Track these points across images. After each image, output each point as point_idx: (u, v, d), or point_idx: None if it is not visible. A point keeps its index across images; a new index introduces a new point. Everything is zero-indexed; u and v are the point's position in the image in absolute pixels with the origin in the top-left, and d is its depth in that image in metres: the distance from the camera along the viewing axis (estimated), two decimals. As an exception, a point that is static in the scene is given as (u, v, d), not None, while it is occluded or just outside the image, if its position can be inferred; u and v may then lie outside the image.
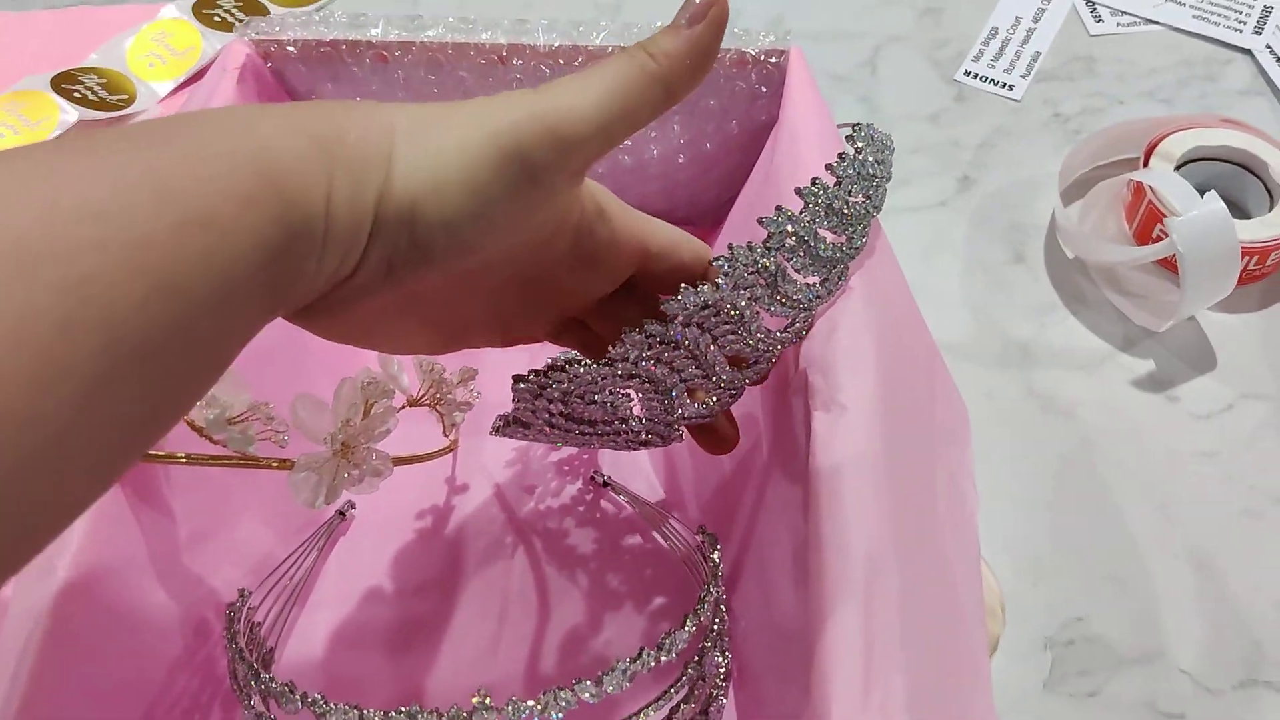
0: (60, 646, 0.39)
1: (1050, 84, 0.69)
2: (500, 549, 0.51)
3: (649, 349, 0.37)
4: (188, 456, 0.42)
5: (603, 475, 0.52)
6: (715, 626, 0.43)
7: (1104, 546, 0.52)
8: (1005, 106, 0.68)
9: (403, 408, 0.46)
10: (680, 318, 0.37)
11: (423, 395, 0.48)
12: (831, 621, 0.37)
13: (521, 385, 0.39)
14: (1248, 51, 0.70)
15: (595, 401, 0.39)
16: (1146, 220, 0.59)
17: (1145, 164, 0.60)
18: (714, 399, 0.40)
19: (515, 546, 0.51)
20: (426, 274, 0.31)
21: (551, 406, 0.40)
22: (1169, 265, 0.59)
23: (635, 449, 0.43)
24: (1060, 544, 0.52)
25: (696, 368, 0.39)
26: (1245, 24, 0.71)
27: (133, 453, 0.25)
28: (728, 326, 0.38)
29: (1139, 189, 0.59)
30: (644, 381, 0.39)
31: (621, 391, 0.39)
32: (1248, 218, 0.61)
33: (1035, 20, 0.72)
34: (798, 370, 0.42)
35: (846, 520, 0.38)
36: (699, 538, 0.47)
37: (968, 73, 0.70)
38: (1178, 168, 0.60)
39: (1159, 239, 0.58)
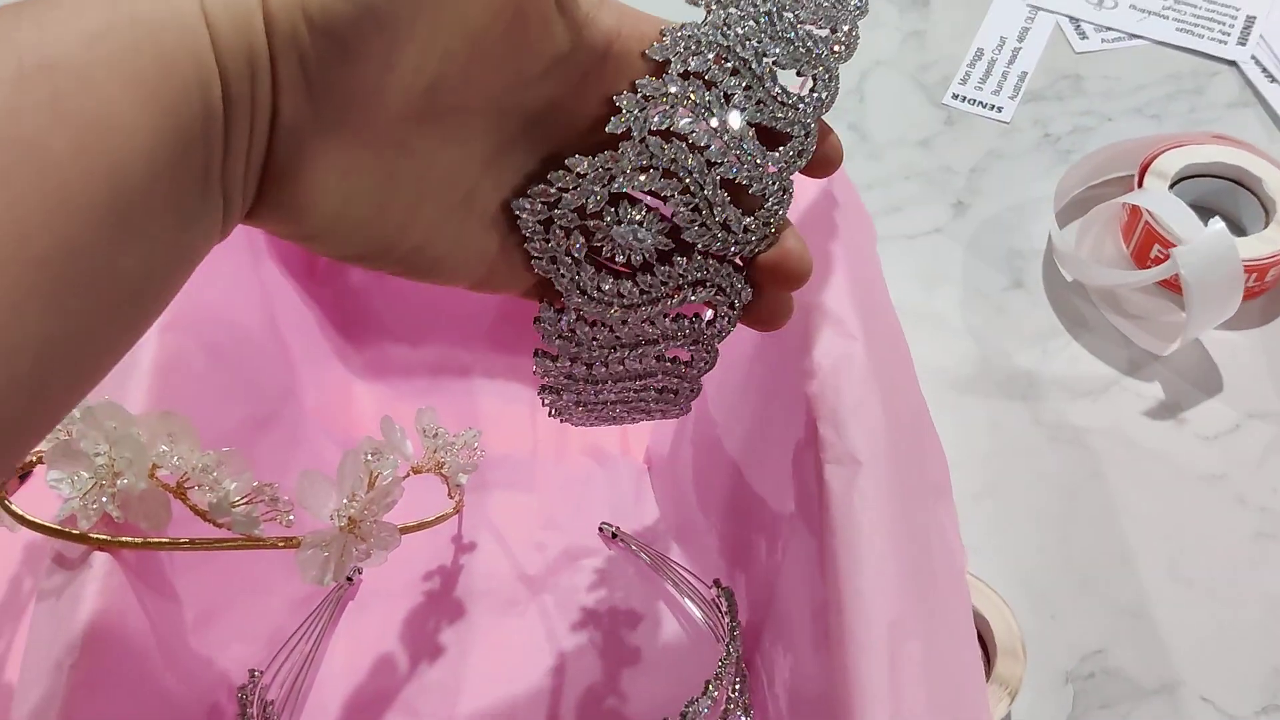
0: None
1: (1039, 104, 0.69)
2: (511, 608, 0.50)
3: (650, 108, 0.31)
4: (191, 541, 0.41)
5: (612, 527, 0.52)
6: (736, 688, 0.43)
7: (1119, 577, 0.52)
8: (995, 129, 0.68)
9: (407, 475, 0.45)
10: (674, 64, 0.32)
11: (426, 461, 0.47)
12: (858, 689, 0.36)
13: (524, 211, 0.32)
14: (1233, 63, 0.70)
15: (616, 223, 0.32)
16: (1144, 241, 0.59)
17: (1139, 184, 0.60)
18: (763, 193, 0.33)
19: (526, 605, 0.51)
20: (355, 74, 0.27)
21: (573, 257, 0.33)
22: (1170, 285, 0.59)
23: (690, 357, 0.37)
24: (1075, 576, 0.52)
25: (717, 138, 0.32)
26: (1229, 35, 0.71)
27: (80, 379, 0.25)
28: (736, 79, 0.32)
29: (1135, 210, 0.59)
30: (662, 173, 0.32)
31: (643, 211, 0.32)
32: (1243, 233, 0.60)
33: (1020, 39, 0.72)
34: (809, 421, 0.41)
35: (867, 582, 0.37)
36: (714, 591, 0.47)
37: (955, 95, 0.69)
38: (1171, 186, 0.60)
39: (1157, 259, 0.58)
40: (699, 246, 0.33)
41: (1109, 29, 0.72)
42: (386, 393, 0.57)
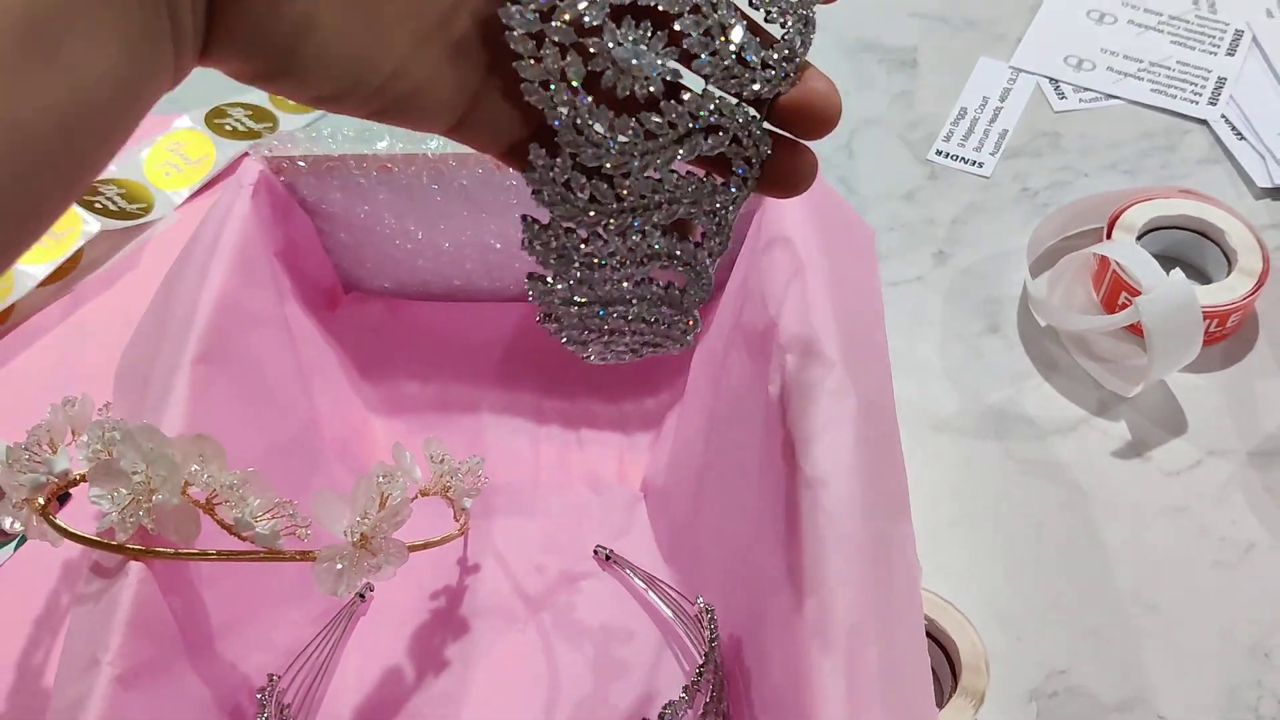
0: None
1: (1018, 160, 0.73)
2: (511, 625, 0.54)
3: None
4: (218, 552, 0.45)
5: (606, 549, 0.55)
6: (713, 693, 0.46)
7: (1083, 601, 0.55)
8: (976, 183, 0.72)
9: (415, 497, 0.49)
10: None
11: (433, 484, 0.51)
12: (818, 688, 0.40)
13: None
14: (1204, 122, 0.74)
15: (618, 43, 0.29)
16: (1112, 289, 0.63)
17: (1109, 235, 0.64)
18: (781, 22, 0.31)
19: (526, 621, 0.54)
20: None
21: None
22: (1136, 330, 0.63)
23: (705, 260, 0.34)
24: (1041, 600, 0.55)
25: None
26: (1201, 95, 0.75)
27: (13, 226, 0.23)
28: None
29: (1104, 260, 0.63)
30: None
31: (649, 30, 0.29)
32: (1208, 281, 0.64)
33: (1002, 99, 0.76)
34: (783, 441, 0.45)
35: (829, 591, 0.41)
36: (697, 608, 0.50)
37: (939, 152, 0.74)
38: (1139, 237, 0.64)
39: (1124, 306, 0.62)
40: (711, 80, 0.30)
41: (1086, 90, 0.76)
42: (398, 425, 0.61)
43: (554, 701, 0.52)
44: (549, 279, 0.33)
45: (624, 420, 0.61)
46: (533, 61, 0.28)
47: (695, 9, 0.29)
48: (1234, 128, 0.73)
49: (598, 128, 0.29)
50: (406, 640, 0.54)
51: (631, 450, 0.60)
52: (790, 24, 0.31)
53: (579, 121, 0.29)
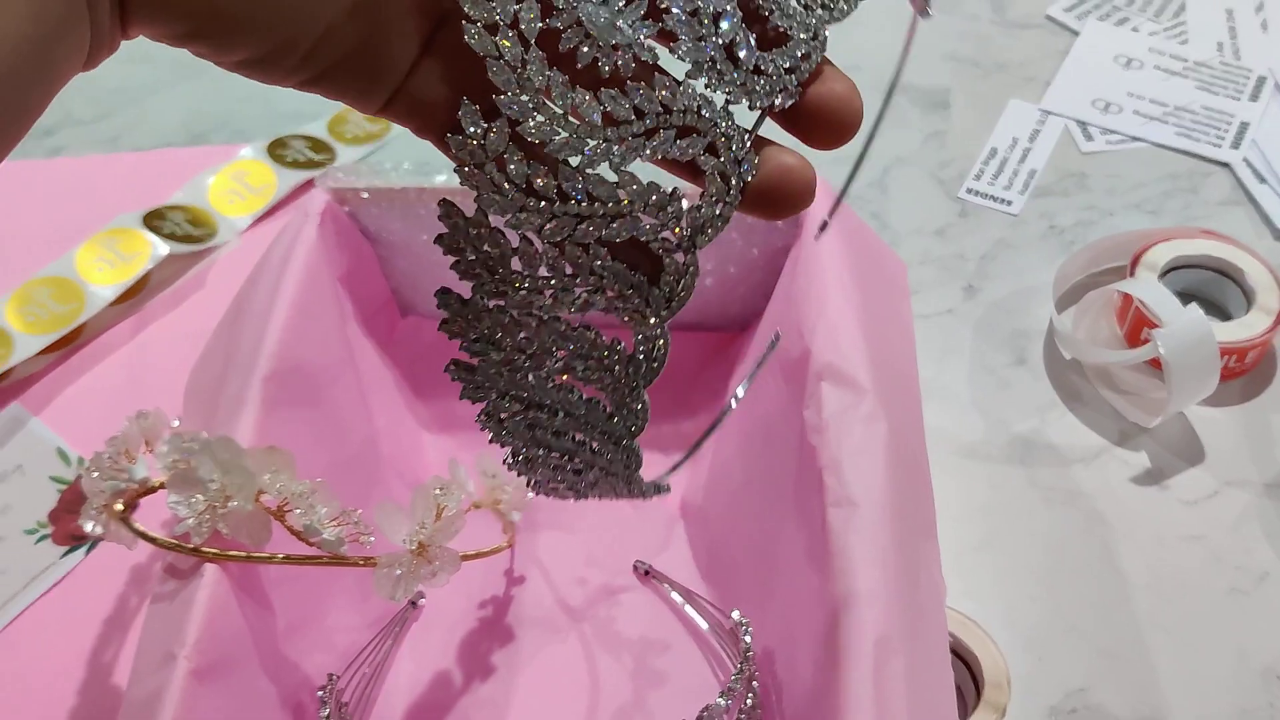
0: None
1: (1046, 199, 0.76)
2: (554, 634, 0.57)
3: None
4: (286, 556, 0.48)
5: (645, 565, 0.58)
6: (748, 701, 0.49)
7: (1102, 623, 0.57)
8: (1005, 220, 0.75)
9: (469, 509, 0.52)
10: None
11: (485, 498, 0.54)
12: (847, 696, 0.42)
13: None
14: (1226, 165, 0.76)
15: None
16: (1135, 324, 0.65)
17: (1132, 273, 0.67)
18: (787, 28, 0.27)
19: (568, 632, 0.57)
20: None
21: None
22: (1157, 365, 0.65)
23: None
24: (1061, 621, 0.57)
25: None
26: (1224, 139, 0.77)
27: None
28: None
29: (1127, 296, 0.65)
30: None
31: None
32: (1228, 318, 0.66)
33: (1031, 140, 0.79)
34: (817, 463, 0.48)
35: (859, 605, 0.44)
36: (733, 621, 0.53)
37: (970, 190, 0.76)
38: (1162, 275, 0.66)
39: (1146, 341, 0.64)
40: (694, 70, 0.25)
41: (1113, 132, 0.79)
42: (449, 442, 0.64)
43: (594, 708, 0.55)
44: (475, 371, 0.28)
45: (662, 442, 0.63)
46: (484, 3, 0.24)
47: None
48: (1255, 171, 0.75)
49: (553, 94, 0.24)
50: (455, 646, 0.57)
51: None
52: (795, 29, 0.27)
53: (524, 76, 0.24)
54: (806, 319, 0.53)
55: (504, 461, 0.32)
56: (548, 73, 0.24)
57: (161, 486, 0.49)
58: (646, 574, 0.58)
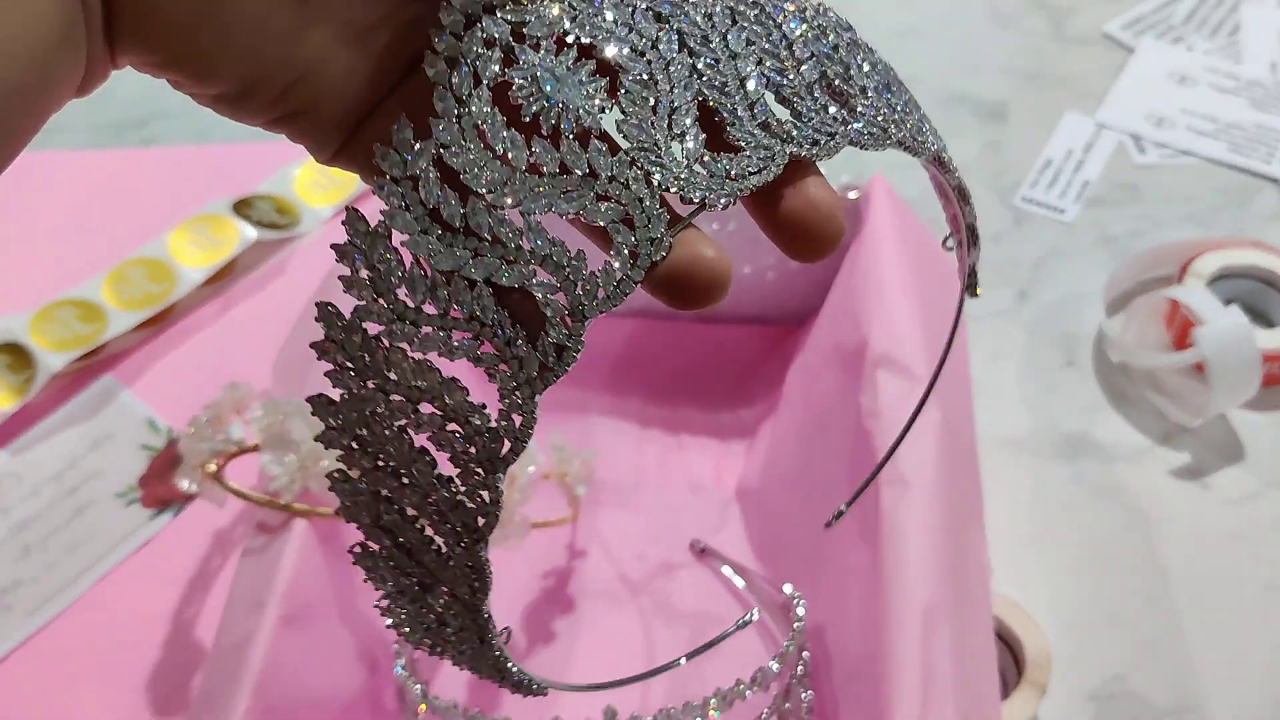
0: (272, 671, 0.48)
1: (1099, 209, 0.78)
2: (613, 605, 0.60)
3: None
4: (370, 516, 0.51)
5: (701, 543, 0.61)
6: (799, 667, 0.51)
7: (1142, 614, 0.59)
8: (1058, 228, 0.77)
9: (538, 479, 0.55)
10: None
11: (553, 469, 0.57)
12: (895, 662, 0.45)
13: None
14: (1276, 180, 0.78)
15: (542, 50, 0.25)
16: (1181, 330, 0.67)
17: (1180, 280, 0.69)
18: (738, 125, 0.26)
19: (627, 604, 0.60)
20: None
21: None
22: (1202, 370, 0.67)
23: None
24: (1102, 611, 0.59)
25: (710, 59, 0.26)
26: (1275, 155, 0.79)
27: None
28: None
29: (1174, 303, 0.67)
30: (630, 46, 0.26)
31: (588, 66, 0.25)
32: (1273, 326, 0.68)
33: (1085, 152, 0.81)
34: (871, 446, 0.51)
35: (908, 575, 0.46)
36: (785, 596, 0.55)
37: (1025, 198, 0.79)
38: (1209, 283, 0.68)
39: (1192, 346, 0.66)
40: (629, 139, 0.25)
41: (1166, 146, 0.81)
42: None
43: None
44: (337, 407, 0.26)
45: (720, 428, 0.67)
46: (454, 37, 0.25)
47: (647, 79, 0.25)
48: (1307, 186, 0.77)
49: (488, 133, 0.24)
50: (520, 612, 0.60)
51: (727, 456, 0.66)
52: (750, 146, 0.26)
53: (465, 109, 0.24)
54: (864, 311, 0.55)
55: (350, 551, 0.28)
56: (487, 109, 0.25)
57: (255, 448, 0.52)
58: (703, 552, 0.61)
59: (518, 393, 0.25)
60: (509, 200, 0.24)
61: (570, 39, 0.25)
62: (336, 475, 0.27)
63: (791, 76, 0.27)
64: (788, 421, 0.62)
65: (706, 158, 0.25)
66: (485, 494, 0.25)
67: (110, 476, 0.67)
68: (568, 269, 0.24)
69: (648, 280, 0.25)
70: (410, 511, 0.26)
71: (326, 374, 0.26)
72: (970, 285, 0.38)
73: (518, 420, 0.25)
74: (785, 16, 0.27)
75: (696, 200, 0.25)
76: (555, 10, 0.25)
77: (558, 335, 0.24)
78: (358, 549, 0.28)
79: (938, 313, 0.58)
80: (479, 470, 0.25)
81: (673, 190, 0.25)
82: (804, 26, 0.28)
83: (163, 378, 0.71)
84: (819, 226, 0.27)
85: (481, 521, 0.25)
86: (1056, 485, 0.64)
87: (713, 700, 0.47)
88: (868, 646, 0.48)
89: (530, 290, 0.24)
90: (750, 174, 0.26)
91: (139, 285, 0.73)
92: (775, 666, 0.49)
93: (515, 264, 0.24)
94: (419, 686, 0.50)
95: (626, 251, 0.25)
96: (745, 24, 0.27)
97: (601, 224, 0.25)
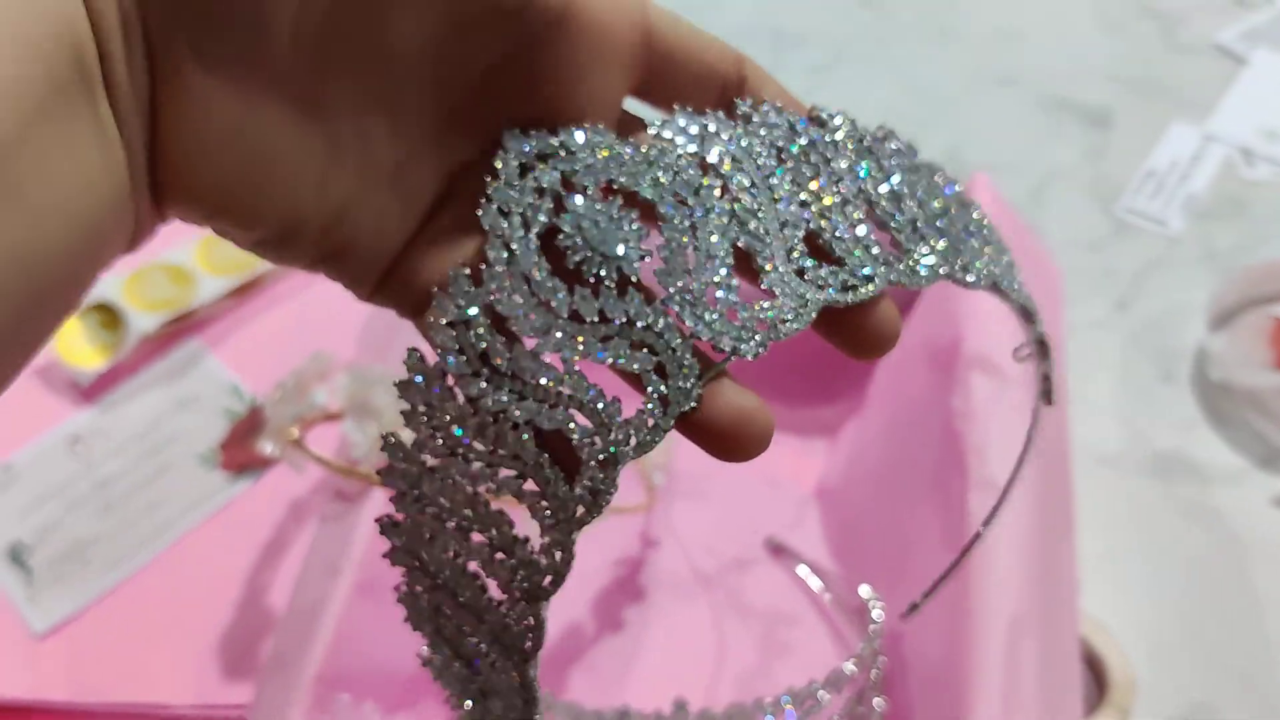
0: (343, 637, 0.48)
1: (1203, 221, 0.76)
2: (685, 597, 0.59)
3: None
4: (447, 490, 0.51)
5: (776, 539, 0.60)
6: (874, 672, 0.50)
7: (1231, 642, 0.57)
8: (1160, 240, 0.75)
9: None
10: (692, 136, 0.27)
11: (633, 457, 0.57)
12: (977, 672, 0.44)
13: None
14: (1396, 201, 0.75)
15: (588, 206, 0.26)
16: (1288, 350, 0.65)
17: (1289, 299, 0.66)
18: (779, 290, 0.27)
19: (698, 597, 0.59)
20: None
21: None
22: (1309, 392, 0.65)
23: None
24: (1190, 636, 0.57)
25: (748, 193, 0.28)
26: (1396, 175, 0.76)
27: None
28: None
29: (1282, 321, 0.65)
30: (675, 195, 0.27)
31: (630, 217, 0.26)
32: (1388, 352, 0.65)
33: (1191, 164, 0.79)
34: (962, 447, 0.49)
35: (995, 584, 0.45)
36: (861, 599, 0.54)
37: (1126, 208, 0.76)
38: (1321, 304, 0.66)
39: (1299, 367, 0.64)
40: (665, 286, 0.26)
41: (1278, 162, 0.78)
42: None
43: (719, 671, 0.56)
44: (397, 522, 0.27)
45: (801, 426, 0.66)
46: (506, 186, 0.26)
47: (691, 228, 0.27)
48: None
49: (534, 279, 0.26)
50: (590, 599, 0.59)
51: (806, 454, 0.64)
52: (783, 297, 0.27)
53: (515, 256, 0.26)
54: (959, 309, 0.54)
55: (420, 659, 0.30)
56: (536, 259, 0.26)
57: (338, 415, 0.52)
58: (777, 549, 0.60)
59: (557, 530, 0.26)
60: (551, 346, 0.25)
61: (616, 185, 0.26)
62: (403, 591, 0.28)
63: (834, 218, 0.28)
64: (874, 420, 0.60)
65: (736, 308, 0.26)
66: (531, 620, 0.26)
67: (193, 439, 0.68)
68: (604, 414, 0.25)
69: (687, 428, 0.26)
70: (466, 628, 0.27)
71: (390, 499, 0.27)
72: (1045, 393, 0.38)
73: (558, 555, 0.26)
74: (839, 153, 0.29)
75: (727, 350, 0.26)
76: (603, 157, 0.26)
77: (593, 480, 0.25)
78: (424, 654, 0.29)
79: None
80: (522, 600, 0.26)
81: (704, 338, 0.26)
82: (857, 160, 0.29)
83: (248, 345, 0.72)
84: (885, 342, 0.28)
85: (528, 645, 0.26)
86: (1148, 504, 0.62)
87: (785, 699, 0.46)
88: (948, 654, 0.46)
89: (568, 435, 0.25)
90: (780, 325, 0.26)
91: (231, 252, 0.74)
92: (851, 668, 0.48)
93: (556, 408, 0.25)
94: (488, 664, 0.49)
95: (658, 399, 0.26)
96: (791, 162, 0.28)
97: (635, 371, 0.26)
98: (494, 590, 0.27)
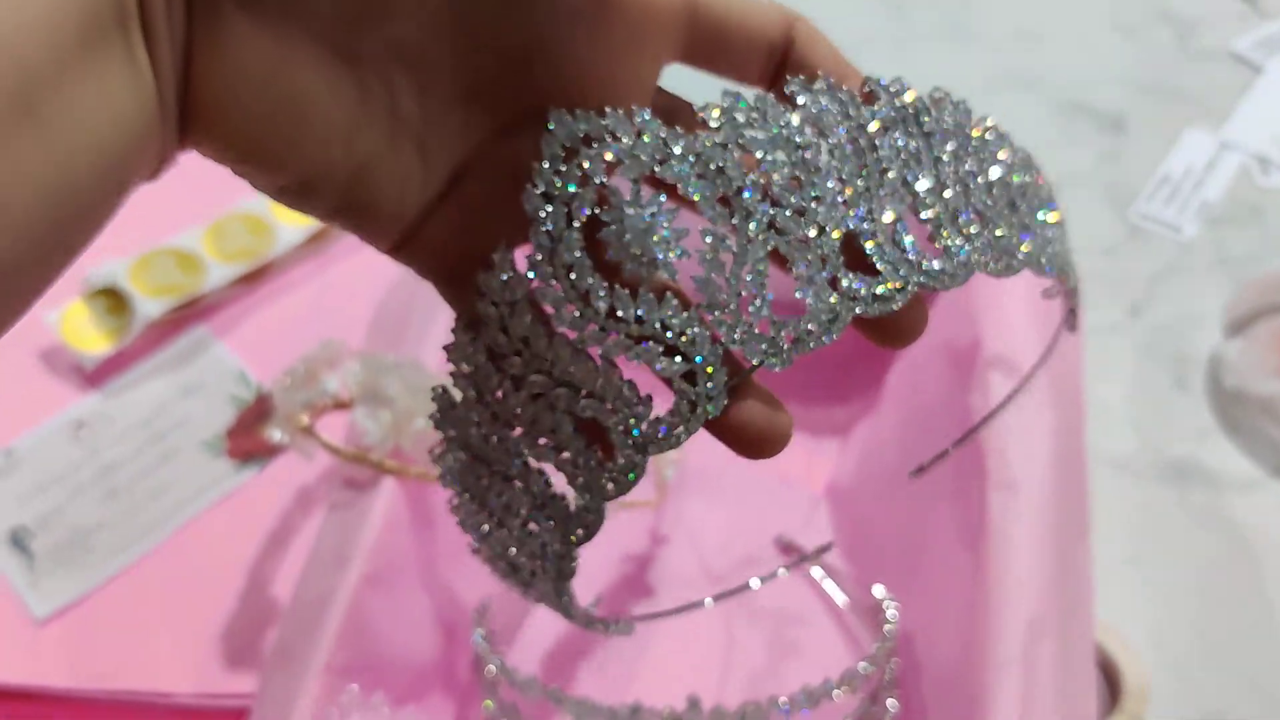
0: (351, 628, 0.47)
1: (1218, 228, 0.75)
2: (694, 594, 0.58)
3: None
4: (459, 480, 0.50)
5: (786, 539, 0.59)
6: (888, 673, 0.50)
7: (1246, 651, 0.56)
8: (1175, 246, 0.74)
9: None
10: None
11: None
12: (995, 674, 0.43)
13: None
14: None
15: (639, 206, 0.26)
16: (1304, 358, 0.64)
17: (1306, 307, 0.66)
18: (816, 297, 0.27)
19: (707, 594, 0.58)
20: None
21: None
22: (1324, 401, 0.64)
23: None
24: (1204, 644, 0.57)
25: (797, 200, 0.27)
26: None
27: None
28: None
29: (1298, 329, 0.65)
30: (721, 198, 0.27)
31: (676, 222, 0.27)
32: (1403, 363, 0.65)
33: (1206, 170, 0.78)
34: (976, 452, 0.49)
35: (1012, 585, 0.44)
36: (874, 599, 0.54)
37: (1141, 214, 0.76)
38: (1337, 312, 0.65)
39: (1315, 376, 0.63)
40: (701, 293, 0.26)
41: (1294, 169, 0.78)
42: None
43: (727, 670, 0.56)
44: (457, 401, 0.29)
45: (814, 426, 0.65)
46: (552, 171, 0.26)
47: (731, 210, 0.27)
48: None
49: (574, 272, 0.26)
50: (599, 595, 0.58)
51: (818, 454, 0.64)
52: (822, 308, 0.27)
53: (558, 248, 0.26)
54: (977, 308, 0.53)
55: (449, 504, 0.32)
56: (579, 253, 0.26)
57: (348, 404, 0.52)
58: (787, 549, 0.59)
59: (590, 499, 0.27)
60: (588, 341, 0.26)
61: (660, 178, 0.26)
62: (453, 504, 0.30)
63: (873, 220, 0.27)
64: (888, 419, 0.60)
65: (767, 319, 0.27)
66: (566, 552, 0.28)
67: (198, 426, 0.67)
68: (638, 407, 0.26)
69: (710, 426, 0.27)
70: (513, 549, 0.30)
71: (451, 374, 0.28)
72: (1070, 323, 0.38)
73: (589, 517, 0.27)
74: (885, 136, 0.28)
75: (756, 362, 0.27)
76: (649, 147, 0.26)
77: (626, 460, 0.27)
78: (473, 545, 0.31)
79: (1052, 318, 0.56)
80: (558, 541, 0.28)
81: (734, 349, 0.27)
82: (906, 144, 0.28)
83: (256, 332, 0.71)
84: (911, 333, 0.29)
85: (566, 567, 0.28)
86: (1161, 510, 0.62)
87: (800, 697, 0.45)
88: (964, 655, 0.46)
89: (603, 423, 0.27)
90: (808, 337, 0.27)
91: (238, 239, 0.73)
92: (865, 668, 0.48)
93: (591, 398, 0.27)
94: (498, 659, 0.49)
95: (686, 404, 0.26)
96: (837, 155, 0.27)
97: (666, 375, 0.26)
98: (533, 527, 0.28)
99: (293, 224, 0.74)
